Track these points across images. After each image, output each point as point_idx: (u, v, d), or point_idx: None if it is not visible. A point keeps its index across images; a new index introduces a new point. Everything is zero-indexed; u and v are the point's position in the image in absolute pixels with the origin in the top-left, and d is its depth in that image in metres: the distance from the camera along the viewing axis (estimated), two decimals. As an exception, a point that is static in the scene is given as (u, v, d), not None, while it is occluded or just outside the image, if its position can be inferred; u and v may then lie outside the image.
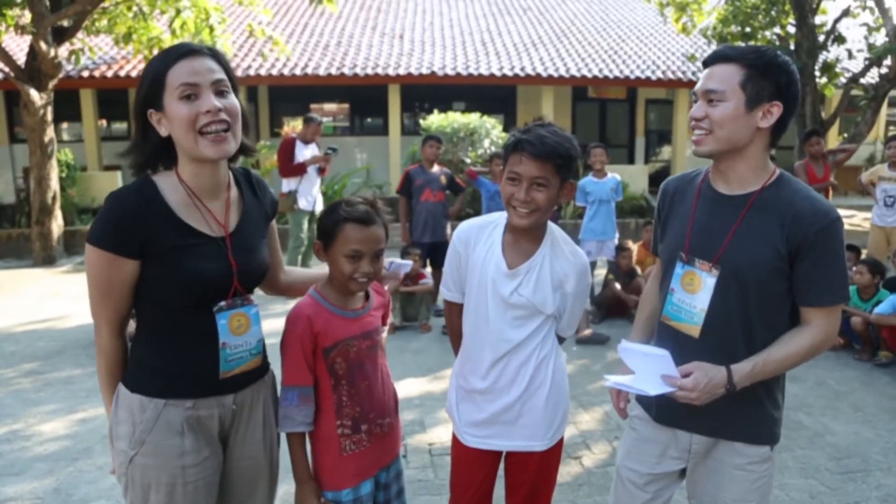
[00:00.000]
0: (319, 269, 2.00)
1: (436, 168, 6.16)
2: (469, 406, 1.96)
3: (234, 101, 1.52)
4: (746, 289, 1.61)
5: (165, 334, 1.57)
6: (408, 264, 2.11)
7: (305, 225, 6.87)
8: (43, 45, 8.00)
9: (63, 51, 8.78)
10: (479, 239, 1.92)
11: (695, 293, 1.68)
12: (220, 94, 1.49)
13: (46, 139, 8.66)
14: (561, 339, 2.01)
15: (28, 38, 8.49)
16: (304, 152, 6.83)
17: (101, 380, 1.62)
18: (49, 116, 8.67)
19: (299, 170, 6.76)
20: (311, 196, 6.87)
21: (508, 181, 1.78)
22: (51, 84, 8.53)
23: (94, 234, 1.48)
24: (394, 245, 7.13)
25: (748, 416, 1.69)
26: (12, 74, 8.34)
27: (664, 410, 1.79)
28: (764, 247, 1.58)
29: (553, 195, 1.77)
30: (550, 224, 1.90)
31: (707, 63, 1.65)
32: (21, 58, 8.87)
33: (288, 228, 7.02)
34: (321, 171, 6.99)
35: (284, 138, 7.10)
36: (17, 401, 4.29)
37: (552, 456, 1.98)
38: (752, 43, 10.72)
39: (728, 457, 1.72)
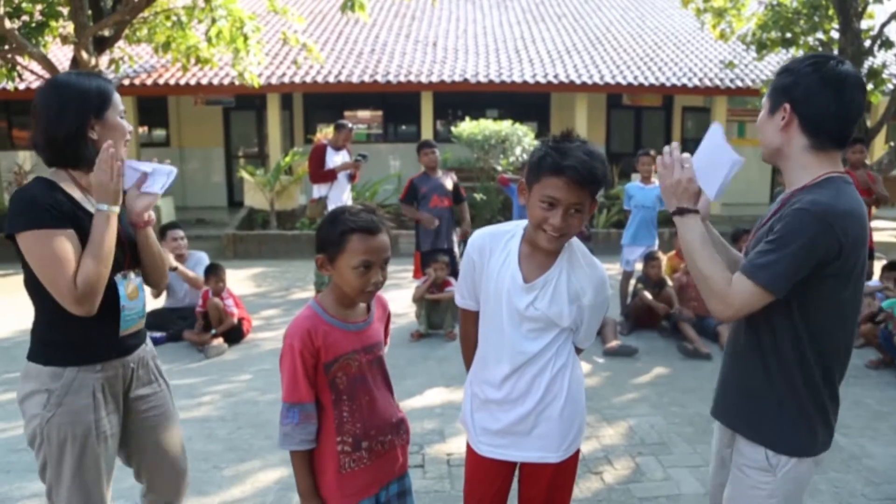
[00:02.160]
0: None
1: (439, 173, 6.15)
2: (484, 415, 1.93)
3: None
4: None
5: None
6: (168, 170, 2.00)
7: (334, 231, 6.91)
8: (84, 55, 8.23)
9: (104, 60, 9.02)
10: (494, 248, 1.87)
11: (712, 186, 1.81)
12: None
13: (86, 145, 8.90)
14: (578, 350, 1.96)
15: (71, 48, 8.75)
16: (335, 159, 6.87)
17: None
18: (90, 123, 8.90)
19: (329, 176, 6.79)
20: (341, 202, 6.89)
21: (542, 205, 1.70)
22: (92, 91, 8.77)
23: (21, 223, 1.74)
24: (404, 253, 7.11)
25: (749, 410, 1.73)
26: (56, 82, 8.59)
27: (714, 399, 1.90)
28: (758, 241, 1.65)
29: (584, 218, 1.75)
30: None
31: None
32: (66, 66, 9.15)
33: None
34: (352, 177, 7.02)
35: (315, 145, 7.15)
36: (47, 400, 4.38)
37: (567, 469, 1.94)
38: (792, 49, 10.44)
39: (735, 455, 1.77)
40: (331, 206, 6.77)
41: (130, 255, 1.95)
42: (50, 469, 1.85)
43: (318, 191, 6.90)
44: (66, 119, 1.81)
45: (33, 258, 1.74)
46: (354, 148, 7.58)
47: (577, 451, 1.96)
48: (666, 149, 1.74)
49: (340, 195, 6.90)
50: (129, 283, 1.93)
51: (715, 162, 1.69)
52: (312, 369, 1.74)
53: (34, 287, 1.82)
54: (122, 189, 1.88)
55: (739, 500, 1.75)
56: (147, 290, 2.08)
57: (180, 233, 5.79)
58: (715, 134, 1.72)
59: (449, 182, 6.10)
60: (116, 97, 1.91)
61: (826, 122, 1.63)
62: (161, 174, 1.98)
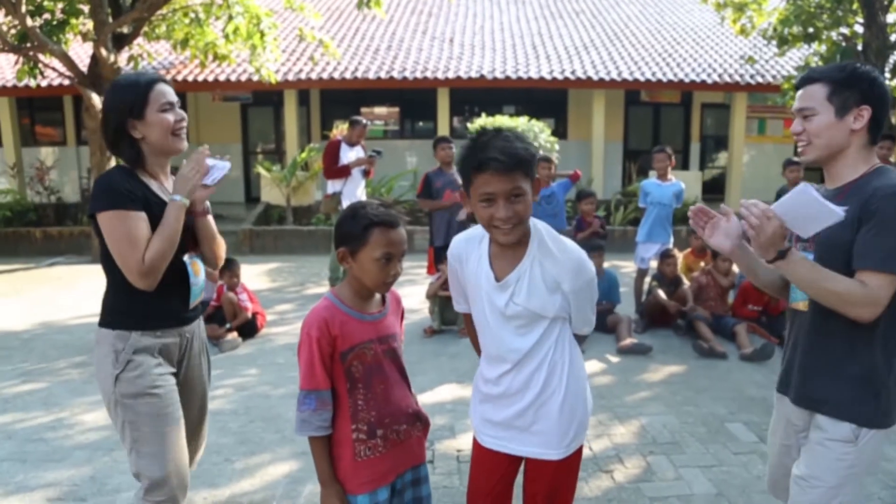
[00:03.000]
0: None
1: (454, 169, 6.16)
2: (487, 407, 1.96)
3: (185, 114, 2.17)
4: (832, 265, 1.77)
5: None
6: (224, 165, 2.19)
7: (349, 227, 6.93)
8: (103, 51, 8.32)
9: (123, 57, 9.11)
10: (469, 253, 1.90)
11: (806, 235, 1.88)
12: (181, 108, 2.14)
13: (106, 141, 9.00)
14: (582, 339, 1.95)
15: (91, 45, 8.84)
16: (349, 155, 6.89)
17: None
18: (109, 119, 9.00)
19: (343, 172, 6.82)
20: (355, 198, 6.90)
21: (483, 204, 1.70)
22: (111, 88, 8.88)
23: (102, 204, 1.97)
24: (419, 249, 7.14)
25: (834, 390, 1.82)
26: (76, 79, 8.70)
27: (780, 381, 2.03)
28: (843, 228, 1.75)
29: (529, 200, 1.72)
30: (535, 223, 1.83)
31: (797, 86, 1.92)
32: (87, 63, 9.25)
33: (332, 230, 7.08)
34: (366, 173, 7.04)
35: (330, 141, 7.18)
36: (64, 390, 4.45)
37: (569, 467, 1.93)
38: (815, 44, 10.28)
39: (813, 433, 1.87)
40: (345, 202, 6.80)
41: (192, 239, 2.18)
42: (127, 424, 2.04)
43: (333, 186, 6.93)
44: (110, 120, 2.06)
45: (109, 236, 1.97)
46: (371, 144, 7.59)
47: (580, 449, 1.94)
48: (744, 202, 1.78)
49: (354, 191, 6.92)
50: (194, 263, 2.18)
51: (810, 215, 1.72)
52: (329, 358, 1.79)
53: (111, 263, 2.03)
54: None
55: (823, 474, 1.83)
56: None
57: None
58: (807, 192, 1.71)
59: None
60: (156, 93, 2.04)
61: (886, 120, 1.85)
62: (218, 169, 2.17)
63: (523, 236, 1.80)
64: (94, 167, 9.19)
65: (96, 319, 2.10)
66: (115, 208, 1.96)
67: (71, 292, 7.52)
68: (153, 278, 1.99)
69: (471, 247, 1.90)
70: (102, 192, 1.98)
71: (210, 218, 2.22)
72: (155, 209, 2.04)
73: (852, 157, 1.84)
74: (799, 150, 1.93)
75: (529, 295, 1.79)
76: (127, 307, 2.06)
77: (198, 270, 2.19)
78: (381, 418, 1.84)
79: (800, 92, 1.89)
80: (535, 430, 1.87)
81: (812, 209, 1.70)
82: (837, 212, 1.69)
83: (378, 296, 1.92)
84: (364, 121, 7.15)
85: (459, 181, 6.52)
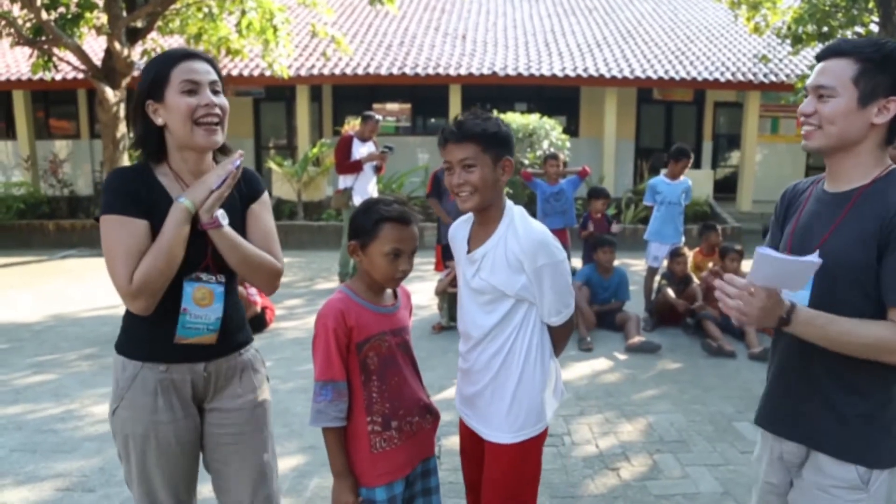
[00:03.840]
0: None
1: None
2: (461, 380, 2.05)
3: (225, 100, 1.75)
4: (836, 285, 1.53)
5: None
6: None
7: (359, 222, 6.96)
8: (117, 45, 8.39)
9: (137, 51, 9.18)
10: (459, 232, 2.03)
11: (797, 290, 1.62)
12: (215, 93, 1.71)
13: (119, 135, 9.07)
14: (561, 333, 1.96)
15: (105, 39, 8.91)
16: (361, 150, 6.90)
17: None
18: (122, 113, 9.08)
19: (355, 167, 6.83)
20: (366, 193, 6.92)
21: (446, 172, 1.89)
22: (124, 82, 8.94)
23: (102, 207, 1.67)
24: (428, 245, 7.13)
25: (835, 424, 1.57)
26: (90, 73, 8.77)
27: (761, 411, 1.76)
28: (856, 244, 1.51)
29: (486, 174, 1.81)
30: (511, 205, 1.91)
31: (820, 57, 1.59)
32: (101, 57, 9.33)
33: (343, 225, 7.10)
34: (378, 169, 7.05)
35: (342, 136, 7.19)
36: (75, 382, 4.50)
37: (522, 456, 1.93)
38: (829, 43, 10.19)
39: (812, 475, 1.61)
40: (356, 198, 6.81)
41: (214, 254, 1.73)
42: (122, 461, 1.80)
43: (344, 182, 6.95)
44: (135, 103, 1.72)
45: (102, 244, 1.65)
46: (382, 140, 7.60)
47: (537, 442, 1.94)
48: (718, 283, 1.52)
49: (366, 186, 6.94)
50: (201, 288, 1.73)
51: (787, 273, 1.48)
52: (345, 348, 1.81)
53: None
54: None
55: None
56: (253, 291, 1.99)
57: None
58: (766, 256, 1.45)
59: None
60: (180, 70, 1.66)
61: None
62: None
63: (493, 212, 1.88)
64: (106, 161, 9.27)
65: (108, 312, 1.94)
66: (110, 213, 1.64)
67: (83, 285, 7.58)
68: (146, 300, 1.62)
69: (462, 226, 2.02)
70: (103, 192, 1.68)
71: (229, 231, 1.70)
72: (159, 221, 1.66)
73: (864, 155, 1.55)
74: (803, 133, 1.61)
75: (492, 271, 1.85)
76: (133, 330, 1.76)
77: (204, 298, 1.73)
78: (396, 410, 1.86)
79: (821, 65, 1.56)
80: (491, 411, 1.93)
81: (784, 269, 1.45)
82: (812, 261, 1.45)
83: (390, 290, 1.95)
84: (376, 116, 7.15)
85: None
